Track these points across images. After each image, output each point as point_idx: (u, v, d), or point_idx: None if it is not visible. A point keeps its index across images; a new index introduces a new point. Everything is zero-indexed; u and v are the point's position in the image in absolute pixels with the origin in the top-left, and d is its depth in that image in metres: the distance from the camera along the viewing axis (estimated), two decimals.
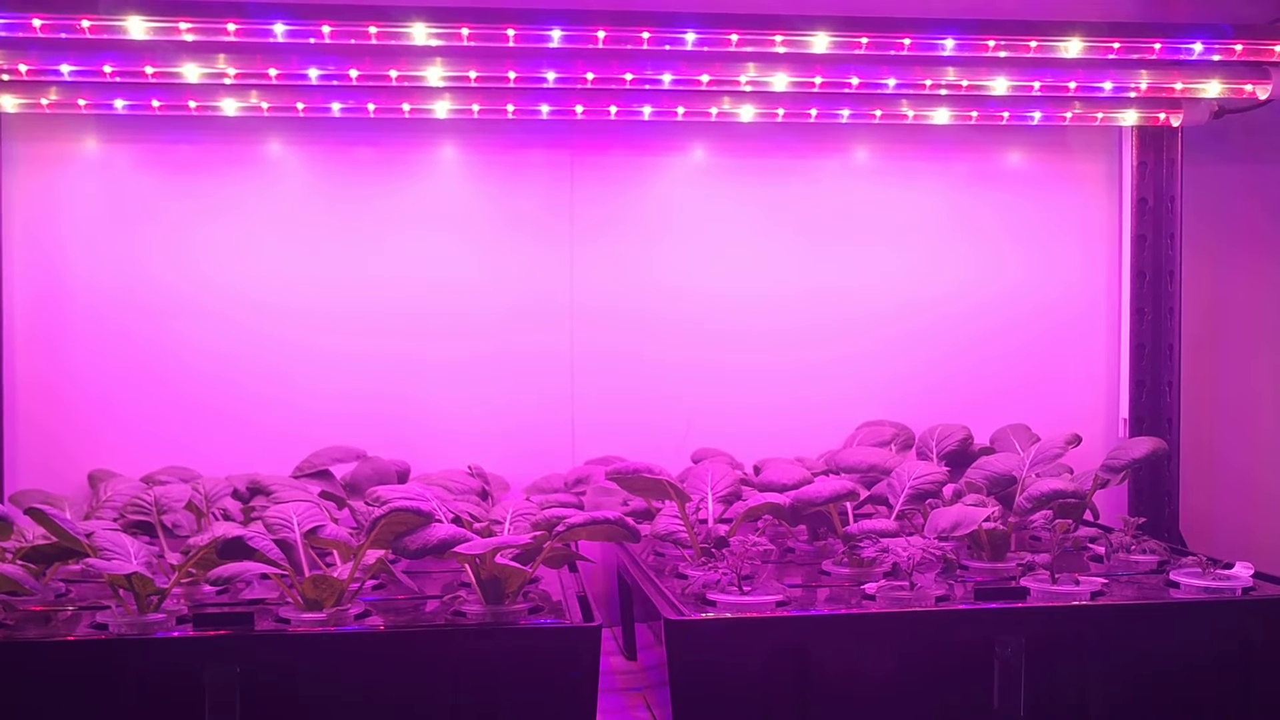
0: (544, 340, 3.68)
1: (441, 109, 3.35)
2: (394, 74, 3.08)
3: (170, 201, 3.53)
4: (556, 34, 2.95)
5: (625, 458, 3.57)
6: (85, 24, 2.66)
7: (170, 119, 3.44)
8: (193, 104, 3.28)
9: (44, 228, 3.48)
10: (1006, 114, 3.59)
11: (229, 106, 3.30)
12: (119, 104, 3.25)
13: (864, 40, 3.10)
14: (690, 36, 2.97)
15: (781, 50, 3.08)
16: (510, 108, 3.36)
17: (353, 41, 2.93)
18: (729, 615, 2.41)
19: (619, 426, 3.70)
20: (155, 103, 3.25)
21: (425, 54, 3.07)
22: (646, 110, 3.41)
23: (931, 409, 3.74)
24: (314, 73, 3.10)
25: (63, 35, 2.78)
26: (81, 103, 3.24)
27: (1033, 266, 3.87)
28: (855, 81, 3.26)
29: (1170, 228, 3.76)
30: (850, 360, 3.81)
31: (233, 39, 2.92)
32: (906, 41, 3.08)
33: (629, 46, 3.04)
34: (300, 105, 3.30)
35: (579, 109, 3.39)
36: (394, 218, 3.62)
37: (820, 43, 3.06)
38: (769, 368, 3.78)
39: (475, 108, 3.36)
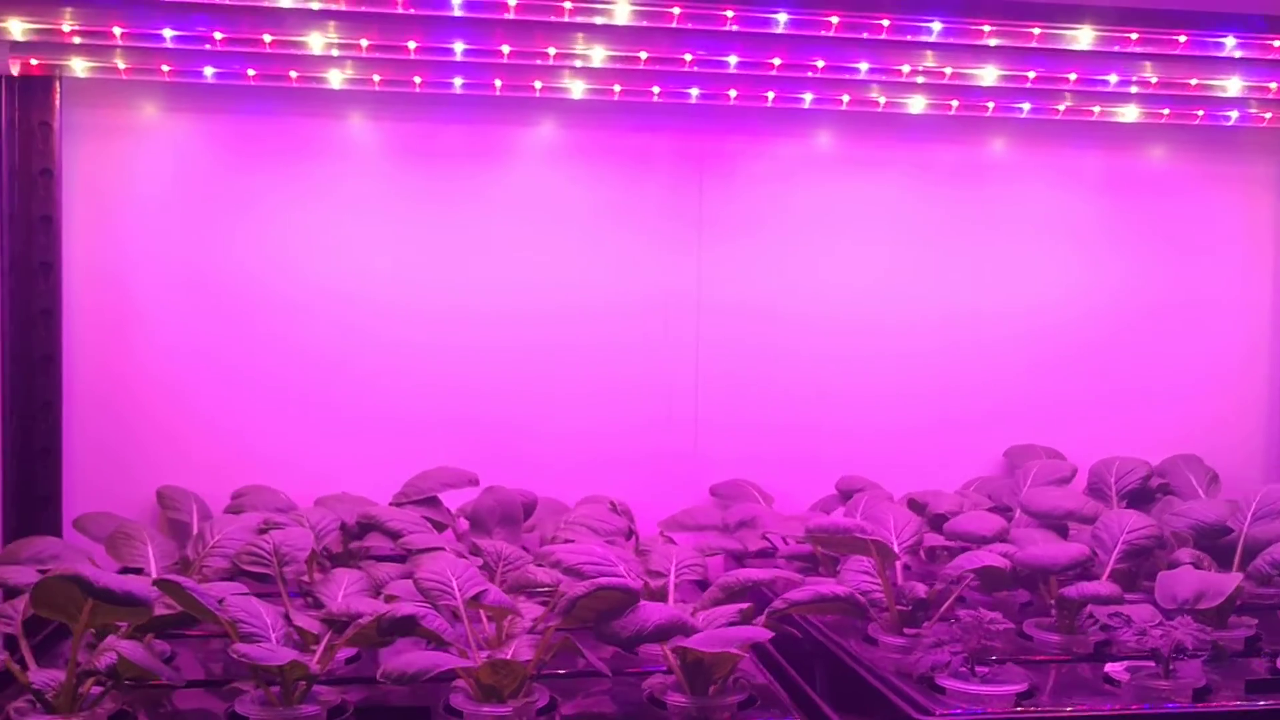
0: (668, 359, 3.28)
1: (577, 89, 2.92)
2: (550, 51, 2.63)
3: (253, 181, 3.08)
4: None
5: (756, 484, 3.25)
6: None
7: (254, 90, 2.98)
8: (294, 74, 2.83)
9: (109, 208, 3.03)
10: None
11: (334, 78, 2.85)
12: (208, 71, 2.79)
13: (1036, 31, 2.67)
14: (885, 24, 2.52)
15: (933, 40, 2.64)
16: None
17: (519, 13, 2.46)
18: (981, 713, 2.06)
19: (744, 446, 3.32)
20: (250, 71, 2.80)
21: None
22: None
23: (1078, 431, 3.42)
24: (458, 48, 2.65)
25: None
26: (165, 68, 2.78)
27: (1190, 277, 3.52)
28: (1033, 75, 2.86)
29: None
30: (987, 375, 3.44)
31: (341, 7, 2.47)
32: (1086, 32, 2.64)
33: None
34: (418, 80, 2.86)
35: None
36: (496, 206, 3.20)
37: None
38: (903, 386, 3.41)
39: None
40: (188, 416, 3.09)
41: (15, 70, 2.76)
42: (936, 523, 2.96)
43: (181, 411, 3.09)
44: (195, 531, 2.83)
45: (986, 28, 2.44)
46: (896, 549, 2.58)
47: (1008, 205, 3.42)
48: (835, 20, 2.41)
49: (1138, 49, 2.66)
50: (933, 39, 2.48)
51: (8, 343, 2.90)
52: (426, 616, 1.99)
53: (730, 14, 2.39)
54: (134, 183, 3.03)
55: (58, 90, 2.90)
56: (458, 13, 2.44)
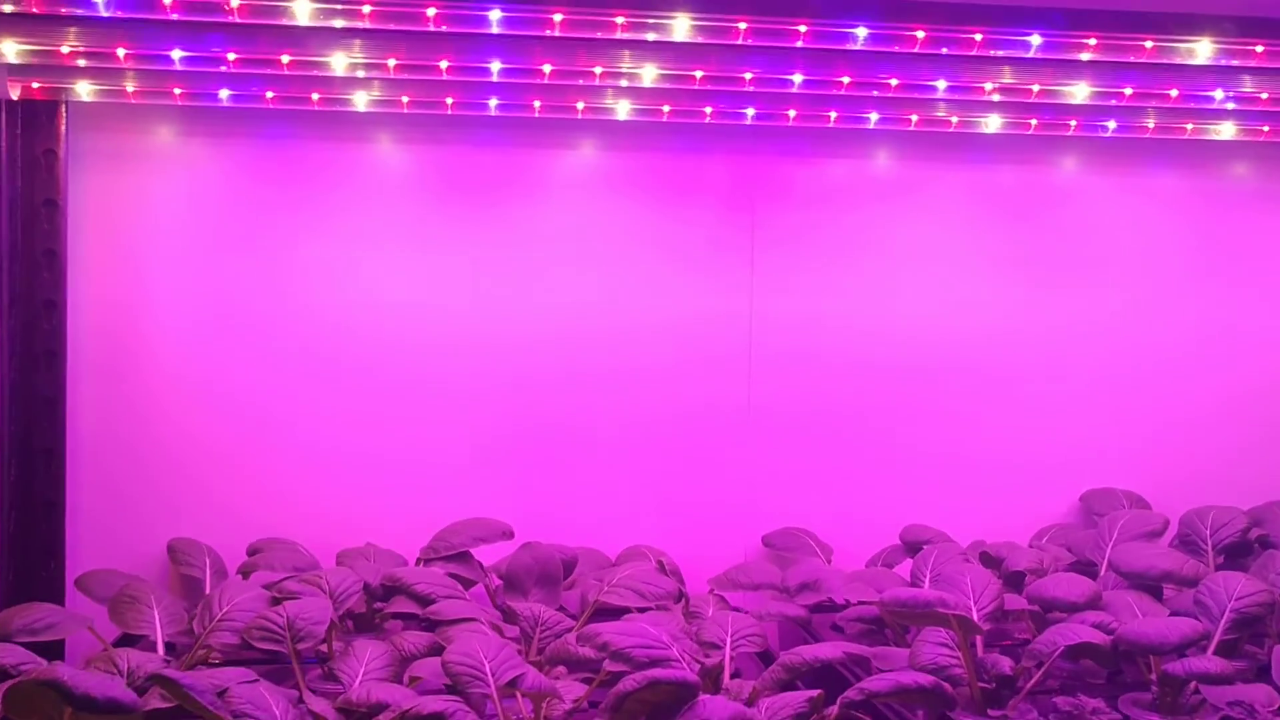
0: (717, 397, 3.04)
1: (623, 109, 2.69)
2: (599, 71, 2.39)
3: (272, 211, 2.86)
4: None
5: (812, 533, 3.00)
6: (235, 2, 1.97)
7: (273, 113, 2.77)
8: (315, 96, 2.61)
9: (118, 241, 2.81)
10: (1266, 127, 2.96)
11: (360, 100, 2.63)
12: (224, 94, 2.58)
13: (1148, 44, 2.42)
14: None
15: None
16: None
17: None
18: None
19: (799, 491, 3.08)
20: (269, 94, 2.58)
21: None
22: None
23: (1158, 473, 3.16)
24: (495, 67, 2.42)
25: (174, 17, 2.11)
26: (177, 91, 2.57)
27: None
28: (1129, 91, 2.60)
29: None
30: (1059, 412, 3.19)
31: (366, 25, 2.24)
32: (1204, 45, 2.38)
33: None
34: (450, 100, 2.64)
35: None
36: (532, 233, 2.96)
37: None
38: (969, 424, 3.15)
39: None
40: (202, 463, 2.87)
41: (15, 95, 2.56)
42: (1013, 581, 2.71)
43: (195, 458, 2.87)
44: (208, 590, 2.63)
45: (1092, 40, 2.18)
46: (977, 617, 2.33)
47: (1078, 229, 3.17)
48: (921, 35, 2.16)
49: (1259, 64, 2.38)
50: (1030, 54, 2.21)
51: (8, 385, 2.68)
52: (455, 715, 1.76)
53: (803, 29, 2.13)
54: (145, 213, 2.82)
55: (63, 115, 2.70)
56: (495, 29, 2.21)
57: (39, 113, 2.68)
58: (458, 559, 2.69)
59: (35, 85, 2.55)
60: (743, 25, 2.13)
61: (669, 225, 2.99)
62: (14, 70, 2.50)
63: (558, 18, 2.23)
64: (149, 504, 2.85)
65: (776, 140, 2.98)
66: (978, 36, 2.16)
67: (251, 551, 2.76)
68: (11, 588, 2.70)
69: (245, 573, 2.65)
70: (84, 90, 2.56)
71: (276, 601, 2.23)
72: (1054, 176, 3.14)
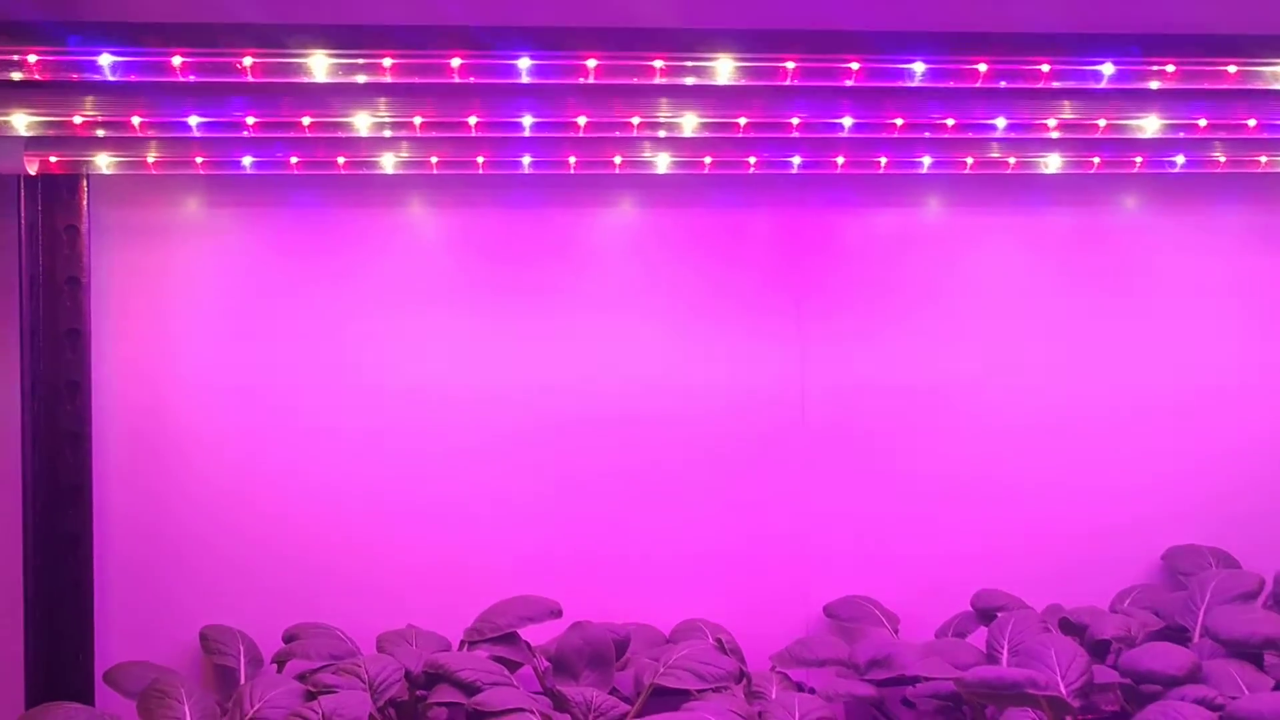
0: (769, 460, 2.89)
1: (663, 162, 2.57)
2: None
3: (302, 283, 2.76)
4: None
5: (877, 600, 2.83)
6: (248, 61, 1.87)
7: (298, 180, 2.67)
8: (341, 159, 2.50)
9: (144, 318, 2.72)
10: None
11: (387, 162, 2.53)
12: (247, 161, 2.48)
13: (1231, 69, 2.27)
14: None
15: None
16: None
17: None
18: None
19: (859, 555, 2.91)
20: (293, 158, 2.48)
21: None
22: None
23: (1244, 528, 2.95)
24: (529, 121, 2.30)
25: (190, 79, 2.01)
26: (199, 159, 2.47)
27: None
28: (1203, 123, 2.45)
29: None
30: (1135, 466, 3.00)
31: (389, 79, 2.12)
32: None
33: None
34: (480, 159, 2.53)
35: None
36: (570, 297, 2.84)
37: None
38: (1038, 479, 2.98)
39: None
40: (235, 546, 2.74)
41: (33, 170, 2.47)
42: (1098, 649, 2.52)
43: (228, 541, 2.74)
44: (242, 681, 2.50)
45: (1170, 67, 2.03)
46: (1065, 693, 2.15)
47: (1147, 272, 3.00)
48: (983, 68, 2.02)
49: None
50: (1101, 85, 2.06)
51: (31, 471, 2.58)
52: None
53: (855, 66, 2.00)
54: (171, 289, 2.72)
55: (84, 189, 2.61)
56: (525, 79, 2.09)
57: (60, 187, 2.60)
58: (504, 641, 2.54)
59: (53, 159, 2.46)
60: (790, 65, 1.99)
61: (714, 283, 2.86)
62: (31, 144, 2.41)
63: (591, 64, 2.11)
64: (181, 590, 2.73)
65: (823, 189, 2.85)
66: (1045, 68, 2.01)
67: (288, 638, 2.62)
68: (39, 683, 2.57)
69: (280, 662, 2.51)
70: (103, 162, 2.47)
71: (312, 696, 2.09)
72: (1112, 218, 2.98)
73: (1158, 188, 2.96)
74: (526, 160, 2.57)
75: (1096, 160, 2.72)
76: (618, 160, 2.56)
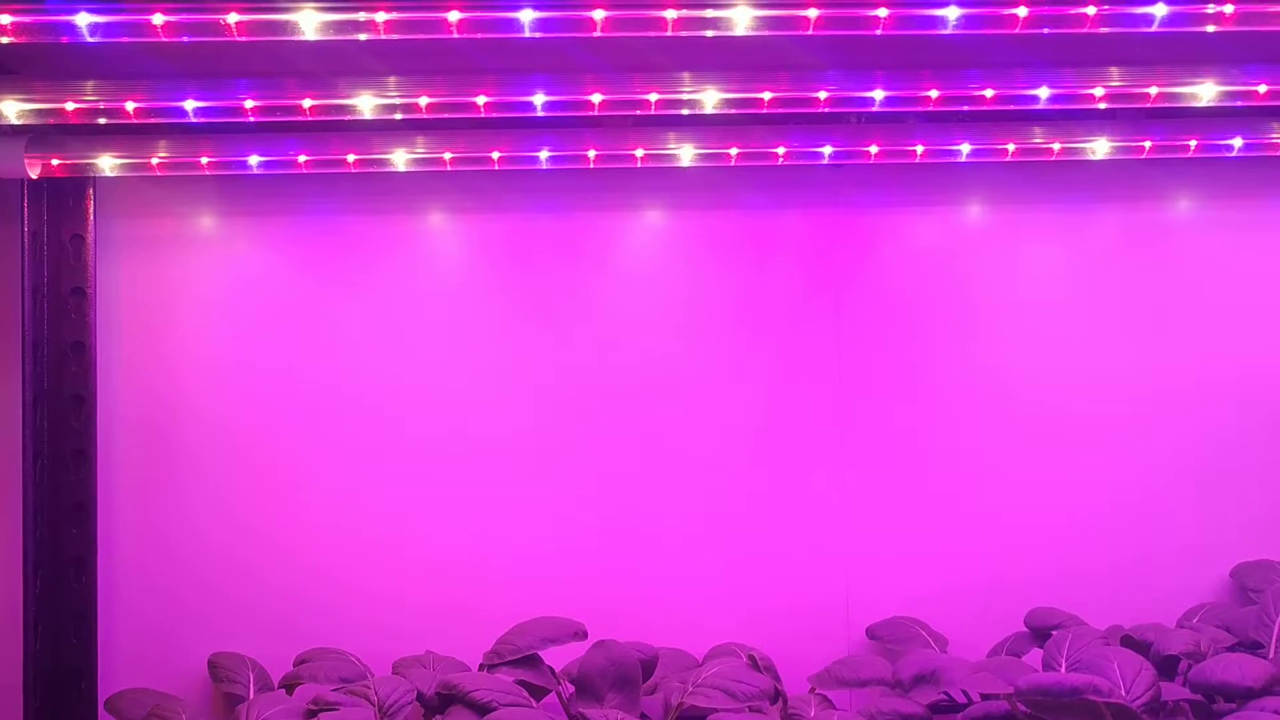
0: (806, 473, 2.74)
1: (687, 154, 2.45)
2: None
3: (316, 294, 2.66)
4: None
5: (923, 622, 2.66)
6: (232, 18, 1.76)
7: (316, 191, 2.58)
8: (351, 157, 2.41)
9: (151, 330, 2.63)
10: None
11: (399, 159, 2.43)
12: (254, 160, 2.39)
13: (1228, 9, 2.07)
14: None
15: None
16: (780, 150, 2.44)
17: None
18: None
19: (904, 575, 2.74)
20: (302, 157, 2.39)
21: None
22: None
23: None
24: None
25: (183, 40, 1.89)
26: (205, 159, 2.38)
27: None
28: (1263, 90, 2.27)
29: None
30: (1198, 477, 2.81)
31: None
32: None
33: None
34: (495, 154, 2.42)
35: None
36: (596, 307, 2.73)
37: None
38: (1093, 494, 2.79)
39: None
40: (246, 570, 2.63)
41: (35, 174, 2.38)
42: (1166, 666, 2.33)
43: (238, 564, 2.63)
44: None
45: (1229, 8, 1.84)
46: (1131, 703, 1.97)
47: (1208, 267, 2.82)
48: (1023, 12, 1.86)
49: None
50: (1153, 28, 1.88)
51: (34, 488, 2.48)
52: None
53: (884, 12, 1.83)
54: (180, 301, 2.64)
55: (91, 197, 2.54)
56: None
57: (65, 194, 2.53)
58: (525, 663, 2.39)
59: (55, 162, 2.38)
60: (813, 13, 1.82)
61: (746, 294, 2.74)
62: (31, 144, 2.34)
63: (599, 14, 1.94)
64: (189, 615, 2.62)
65: (861, 191, 2.72)
66: (1090, 10, 1.84)
67: (298, 663, 2.49)
68: (40, 709, 2.46)
69: (289, 686, 2.39)
70: (107, 164, 2.38)
71: (312, 714, 1.96)
72: (1164, 211, 2.82)
73: (1217, 177, 2.79)
74: (544, 154, 2.45)
75: (1148, 144, 2.54)
76: (639, 153, 2.44)
